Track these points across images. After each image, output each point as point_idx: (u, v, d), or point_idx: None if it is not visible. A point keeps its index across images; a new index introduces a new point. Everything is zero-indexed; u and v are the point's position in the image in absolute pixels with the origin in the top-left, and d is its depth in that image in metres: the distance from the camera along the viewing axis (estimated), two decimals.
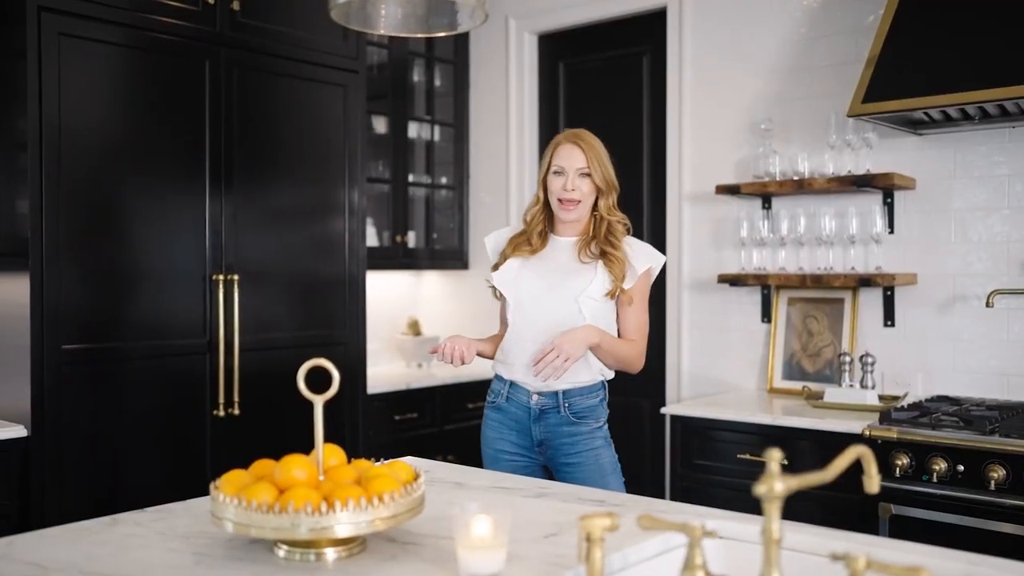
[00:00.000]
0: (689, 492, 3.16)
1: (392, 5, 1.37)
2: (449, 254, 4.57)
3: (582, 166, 2.44)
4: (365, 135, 3.77)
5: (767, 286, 3.63)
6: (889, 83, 2.96)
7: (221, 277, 3.21)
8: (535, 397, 2.44)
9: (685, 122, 3.89)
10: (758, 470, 3.02)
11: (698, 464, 3.20)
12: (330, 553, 1.39)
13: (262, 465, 1.50)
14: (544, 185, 2.50)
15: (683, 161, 3.89)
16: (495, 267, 2.54)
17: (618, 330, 2.51)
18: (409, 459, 2.21)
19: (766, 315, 3.65)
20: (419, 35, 1.40)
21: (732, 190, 3.57)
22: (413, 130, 4.45)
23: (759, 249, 3.60)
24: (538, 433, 2.46)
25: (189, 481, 3.10)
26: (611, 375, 2.53)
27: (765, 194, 3.56)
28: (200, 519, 1.64)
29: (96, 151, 2.95)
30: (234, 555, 1.42)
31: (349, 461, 1.53)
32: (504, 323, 2.57)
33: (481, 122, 4.61)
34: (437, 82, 4.59)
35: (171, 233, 3.13)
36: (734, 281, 3.59)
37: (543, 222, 2.52)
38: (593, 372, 2.46)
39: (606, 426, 2.51)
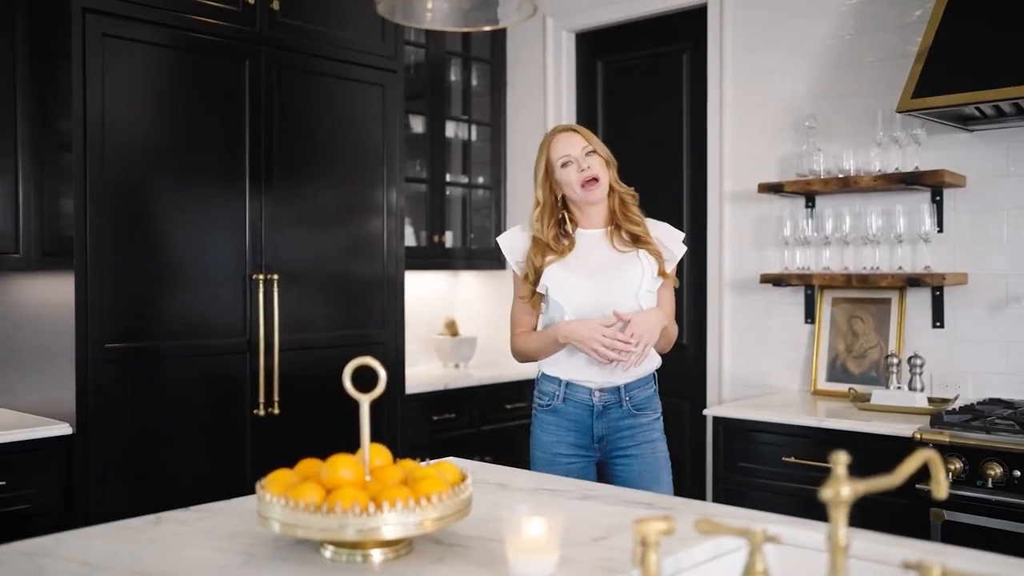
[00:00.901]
0: (731, 495, 3.11)
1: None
2: (486, 254, 4.55)
3: (585, 146, 2.43)
4: (403, 134, 3.76)
5: (811, 286, 3.56)
6: (939, 78, 2.89)
7: (261, 277, 3.21)
8: (598, 394, 2.43)
9: (726, 120, 3.83)
10: (803, 473, 2.98)
11: (741, 467, 3.14)
12: (376, 554, 1.37)
13: (308, 465, 1.48)
14: (548, 186, 2.46)
15: (724, 159, 3.84)
16: (527, 278, 2.47)
17: None
18: (452, 459, 2.19)
19: (809, 316, 3.59)
20: (464, 30, 1.37)
21: (775, 188, 3.51)
22: (450, 129, 4.44)
23: (802, 248, 3.53)
24: (600, 429, 2.44)
25: (230, 480, 3.10)
26: (659, 364, 2.52)
27: (809, 192, 3.49)
28: (245, 518, 1.63)
29: (138, 151, 2.96)
30: (280, 555, 1.41)
31: (395, 461, 1.51)
32: (521, 324, 2.53)
33: (518, 122, 4.58)
34: (474, 81, 4.57)
35: (211, 233, 3.13)
36: (777, 281, 3.53)
37: (555, 225, 2.46)
38: (653, 360, 2.47)
39: (661, 419, 2.51)
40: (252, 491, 3.42)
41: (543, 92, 4.45)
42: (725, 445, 3.19)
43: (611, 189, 2.46)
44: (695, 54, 4.00)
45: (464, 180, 4.55)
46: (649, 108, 4.16)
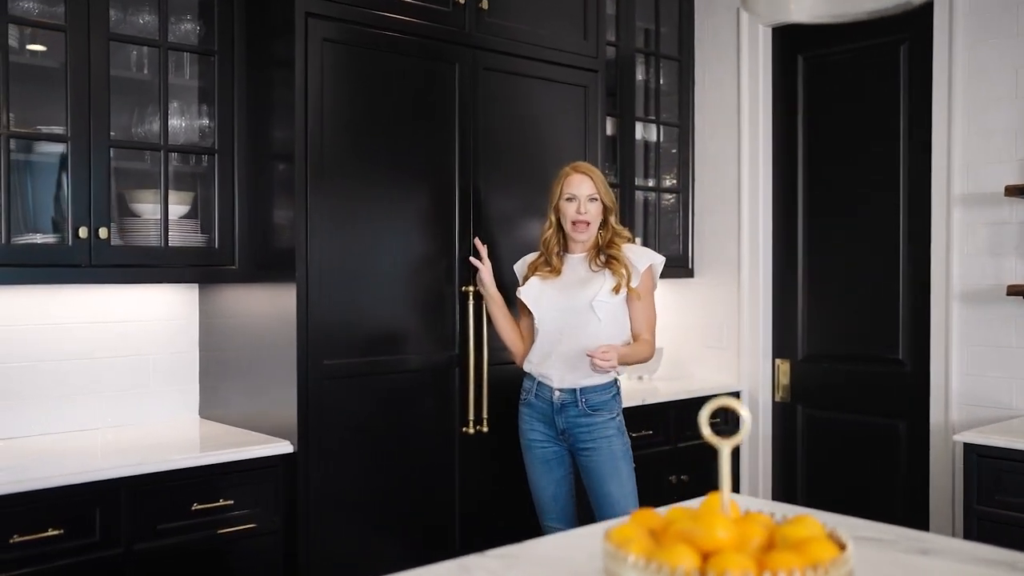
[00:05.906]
0: (989, 533, 2.81)
1: None
2: (673, 261, 4.31)
3: (591, 192, 2.86)
4: (603, 136, 3.59)
5: None
6: None
7: (471, 289, 3.09)
8: (557, 393, 2.86)
9: (955, 118, 3.50)
10: None
11: (999, 500, 2.84)
12: None
13: (646, 516, 1.32)
14: (556, 211, 2.90)
15: (952, 160, 3.51)
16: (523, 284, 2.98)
17: (631, 326, 2.90)
18: (807, 511, 1.99)
19: None
20: (840, 20, 1.18)
21: None
22: (637, 131, 4.23)
23: None
24: (560, 423, 2.87)
25: (439, 497, 2.99)
26: (623, 374, 2.98)
27: None
28: (550, 568, 1.48)
29: (353, 159, 2.86)
30: None
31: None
32: (518, 320, 3.04)
33: (707, 122, 4.34)
34: (661, 80, 4.35)
35: (424, 245, 3.02)
36: None
37: (558, 243, 2.93)
38: (608, 373, 2.83)
39: (619, 418, 2.89)
40: (462, 511, 3.30)
41: (736, 90, 4.20)
42: (979, 474, 2.89)
43: (608, 227, 2.90)
44: (915, 45, 3.68)
45: (651, 183, 4.34)
46: (856, 107, 3.85)
